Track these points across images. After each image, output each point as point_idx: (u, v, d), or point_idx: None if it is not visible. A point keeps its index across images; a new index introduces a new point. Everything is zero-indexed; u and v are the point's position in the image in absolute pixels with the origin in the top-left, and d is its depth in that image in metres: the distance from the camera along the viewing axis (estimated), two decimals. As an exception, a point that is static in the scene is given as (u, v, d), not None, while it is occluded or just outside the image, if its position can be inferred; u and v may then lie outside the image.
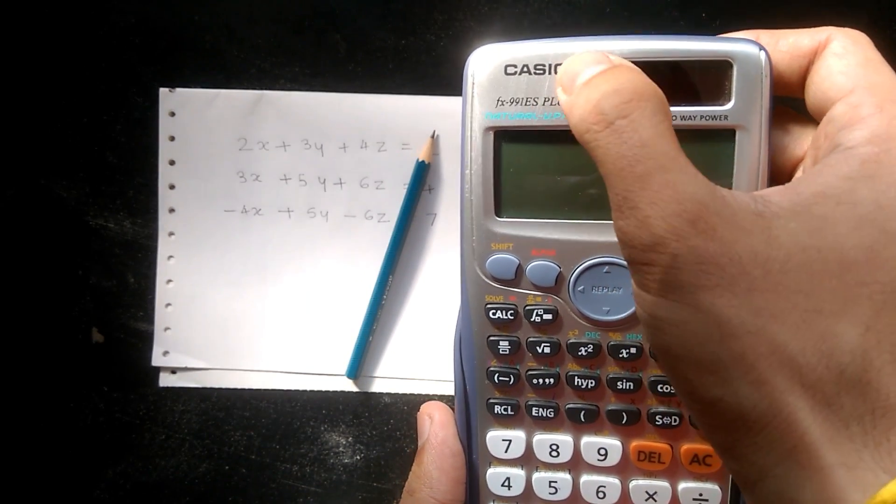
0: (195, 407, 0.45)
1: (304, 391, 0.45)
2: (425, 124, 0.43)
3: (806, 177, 0.21)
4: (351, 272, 0.44)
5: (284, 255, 0.44)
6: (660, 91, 0.21)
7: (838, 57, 0.23)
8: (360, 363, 0.44)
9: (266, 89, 0.43)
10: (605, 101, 0.21)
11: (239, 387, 0.45)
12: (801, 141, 0.26)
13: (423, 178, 0.43)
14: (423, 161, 0.43)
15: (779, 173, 0.26)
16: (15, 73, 0.45)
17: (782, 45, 0.25)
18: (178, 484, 0.45)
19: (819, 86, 0.23)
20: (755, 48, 0.25)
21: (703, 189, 0.20)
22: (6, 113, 0.45)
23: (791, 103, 0.27)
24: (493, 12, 0.43)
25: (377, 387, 0.44)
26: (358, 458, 0.45)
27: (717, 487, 0.27)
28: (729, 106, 0.25)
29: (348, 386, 0.44)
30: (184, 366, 0.45)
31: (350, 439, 0.45)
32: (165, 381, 0.45)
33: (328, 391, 0.45)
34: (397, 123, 0.43)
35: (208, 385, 0.45)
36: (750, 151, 0.24)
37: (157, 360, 0.45)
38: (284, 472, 0.45)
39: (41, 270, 0.45)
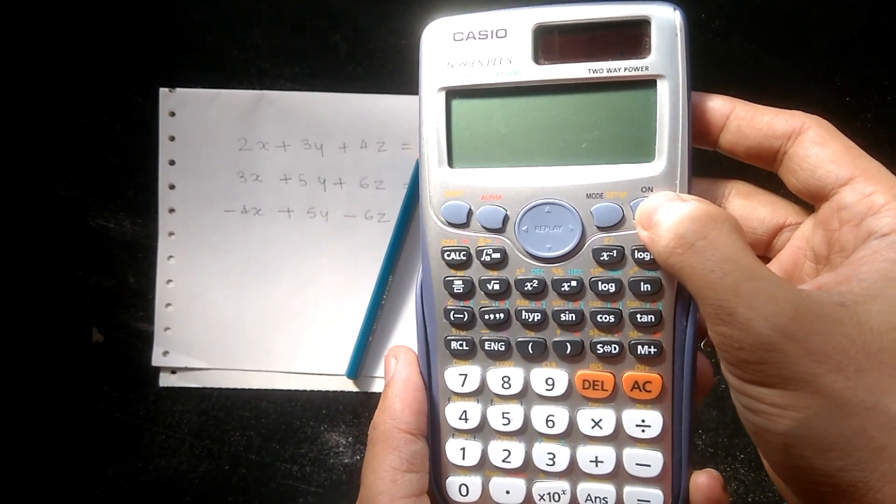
0: (195, 407, 0.46)
1: (304, 391, 0.45)
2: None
3: (858, 263, 0.25)
4: (351, 272, 0.44)
5: (284, 255, 0.45)
6: (732, 215, 0.26)
7: (820, 146, 0.27)
8: (360, 363, 0.44)
9: (266, 89, 0.44)
10: (683, 226, 0.25)
11: (239, 387, 0.45)
12: (776, 211, 0.30)
13: (423, 178, 0.43)
14: (419, 157, 0.43)
15: (756, 243, 0.31)
16: (15, 73, 0.45)
17: (758, 122, 0.29)
18: (178, 484, 0.46)
19: (811, 172, 0.27)
20: (670, 8, 0.28)
21: (790, 290, 0.24)
22: (7, 113, 0.45)
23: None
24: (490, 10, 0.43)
25: (377, 387, 0.45)
26: (358, 458, 0.45)
27: (658, 414, 0.29)
28: (649, 58, 0.28)
29: (348, 386, 0.45)
30: (184, 366, 0.45)
31: (350, 439, 0.45)
32: (165, 381, 0.46)
33: (328, 391, 0.45)
34: (397, 123, 0.44)
35: (208, 385, 0.45)
36: (671, 98, 0.28)
37: (157, 360, 0.45)
38: (284, 472, 0.45)
39: (41, 270, 0.46)
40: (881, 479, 0.22)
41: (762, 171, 0.30)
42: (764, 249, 0.30)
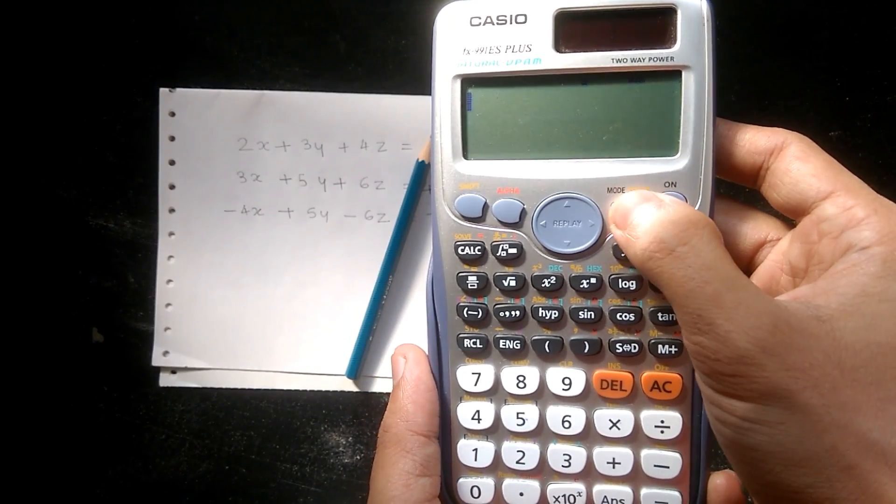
0: (195, 407, 0.45)
1: (304, 391, 0.45)
2: (425, 124, 0.43)
3: (837, 276, 0.25)
4: (351, 272, 0.44)
5: (284, 255, 0.45)
6: (711, 220, 0.25)
7: (802, 161, 0.27)
8: (360, 363, 0.44)
9: (266, 89, 0.44)
10: (664, 231, 0.25)
11: (239, 387, 0.45)
12: (758, 226, 0.30)
13: (423, 178, 0.44)
14: (423, 161, 0.43)
15: (738, 258, 0.30)
16: (15, 73, 0.45)
17: (740, 139, 0.28)
18: (178, 484, 0.45)
19: (793, 186, 0.27)
20: None
21: (770, 303, 0.24)
22: (7, 113, 0.45)
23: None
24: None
25: (377, 387, 0.45)
26: (358, 458, 0.45)
27: (677, 414, 0.28)
28: (675, 48, 0.27)
29: (348, 386, 0.45)
30: (184, 366, 0.45)
31: (350, 439, 0.45)
32: (165, 381, 0.45)
33: (328, 391, 0.45)
34: (397, 123, 0.44)
35: (208, 385, 0.45)
36: (696, 89, 0.27)
37: (157, 360, 0.45)
38: (284, 472, 0.45)
39: (41, 270, 0.46)
40: (849, 498, 0.22)
41: (744, 188, 0.29)
42: (746, 265, 0.30)
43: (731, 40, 0.43)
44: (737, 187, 0.30)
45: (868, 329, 0.23)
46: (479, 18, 0.28)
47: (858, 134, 0.43)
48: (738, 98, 0.43)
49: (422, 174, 0.44)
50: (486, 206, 0.28)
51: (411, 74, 0.44)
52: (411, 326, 0.46)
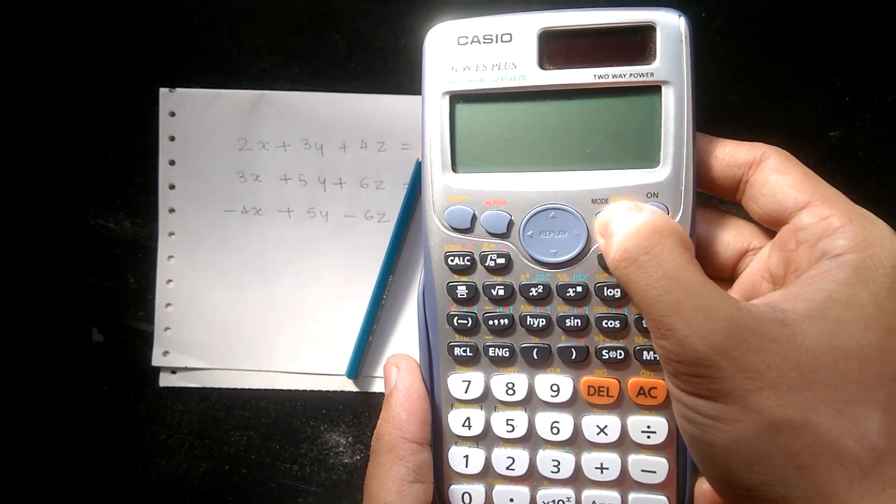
0: (195, 407, 0.45)
1: (304, 391, 0.45)
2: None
3: (808, 282, 0.25)
4: (351, 272, 0.44)
5: (284, 255, 0.45)
6: (679, 227, 0.26)
7: (780, 173, 0.28)
8: (360, 363, 0.44)
9: (266, 89, 0.44)
10: (628, 241, 0.26)
11: (239, 387, 0.45)
12: (741, 235, 0.31)
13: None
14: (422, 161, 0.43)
15: (721, 266, 0.31)
16: (15, 73, 0.45)
17: (720, 152, 0.29)
18: (178, 484, 0.46)
19: (771, 198, 0.28)
20: (675, 14, 0.28)
21: (731, 308, 0.24)
22: (7, 113, 0.45)
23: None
24: (492, 13, 0.43)
25: (377, 387, 0.45)
26: (358, 458, 0.45)
27: (663, 420, 0.29)
28: (655, 64, 0.28)
29: (348, 386, 0.45)
30: (184, 366, 0.45)
31: (350, 439, 0.45)
32: (165, 381, 0.45)
33: (328, 391, 0.45)
34: (397, 123, 0.44)
35: (208, 385, 0.45)
36: (676, 103, 0.28)
37: (157, 360, 0.45)
38: (284, 472, 0.45)
39: (41, 270, 0.46)
40: (801, 497, 0.23)
41: (727, 200, 0.30)
42: (729, 273, 0.31)
43: (732, 40, 0.43)
44: (718, 198, 0.30)
45: (831, 334, 0.24)
46: (467, 38, 0.29)
47: (858, 134, 0.43)
48: (739, 98, 0.43)
49: (421, 174, 0.44)
50: (474, 218, 0.29)
51: (411, 74, 0.44)
52: (411, 327, 0.46)
